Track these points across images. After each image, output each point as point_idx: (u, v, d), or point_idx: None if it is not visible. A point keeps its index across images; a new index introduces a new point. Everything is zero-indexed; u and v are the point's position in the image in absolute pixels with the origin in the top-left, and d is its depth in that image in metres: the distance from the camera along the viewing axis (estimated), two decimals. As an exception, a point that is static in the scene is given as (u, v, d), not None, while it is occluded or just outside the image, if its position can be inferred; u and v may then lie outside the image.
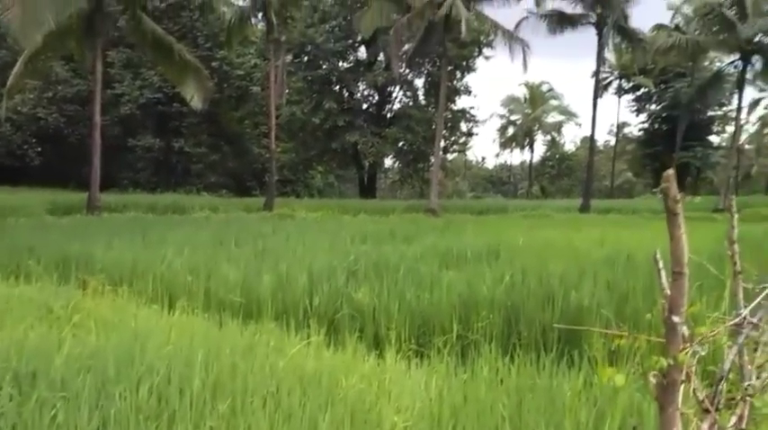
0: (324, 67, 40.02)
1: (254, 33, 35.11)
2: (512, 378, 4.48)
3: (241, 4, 27.72)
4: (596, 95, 33.28)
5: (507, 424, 3.58)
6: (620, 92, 53.93)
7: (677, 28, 33.74)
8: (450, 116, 41.83)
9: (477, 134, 48.67)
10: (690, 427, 2.06)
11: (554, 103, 61.13)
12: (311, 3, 34.27)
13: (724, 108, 50.16)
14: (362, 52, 41.37)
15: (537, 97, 60.41)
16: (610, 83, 52.77)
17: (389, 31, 29.23)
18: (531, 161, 64.16)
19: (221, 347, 4.36)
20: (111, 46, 35.32)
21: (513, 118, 63.07)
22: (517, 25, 31.34)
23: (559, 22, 31.93)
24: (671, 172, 2.32)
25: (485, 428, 3.56)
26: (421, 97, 42.50)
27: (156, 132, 38.69)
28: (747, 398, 2.25)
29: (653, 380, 2.14)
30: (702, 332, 3.64)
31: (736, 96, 33.13)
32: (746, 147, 61.30)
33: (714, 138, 55.17)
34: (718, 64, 38.28)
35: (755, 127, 60.31)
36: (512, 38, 29.39)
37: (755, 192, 51.52)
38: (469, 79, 43.04)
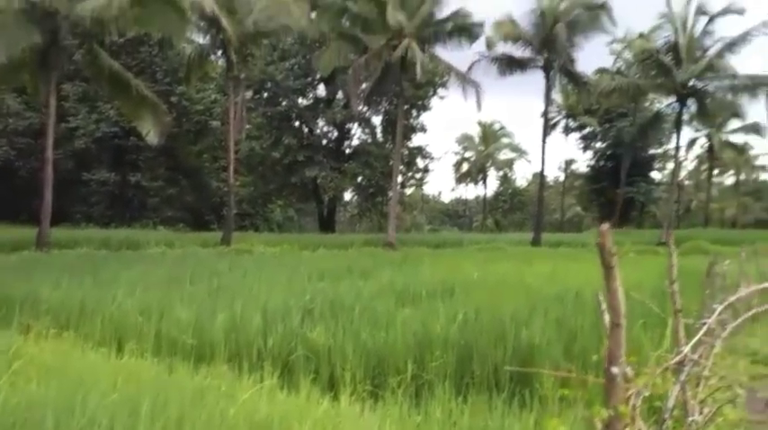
0: (283, 103, 40.37)
1: (214, 69, 35.21)
2: (464, 419, 4.53)
3: (201, 41, 27.74)
4: (545, 134, 34.44)
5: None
6: (568, 130, 56.03)
7: (619, 71, 35.48)
8: (407, 153, 42.59)
9: (432, 170, 49.41)
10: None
11: (505, 140, 62.98)
12: (271, 41, 34.59)
13: (664, 146, 52.75)
14: (322, 90, 42.05)
15: (489, 135, 62.08)
16: (558, 122, 54.78)
17: (348, 70, 29.75)
18: (485, 196, 65.59)
19: (170, 394, 4.21)
20: (67, 79, 34.73)
21: (467, 155, 64.58)
22: (470, 67, 32.33)
23: (509, 65, 33.15)
24: (606, 226, 2.45)
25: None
26: (379, 134, 43.29)
27: (111, 166, 37.92)
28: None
29: (599, 426, 2.22)
30: (646, 372, 3.78)
31: (674, 135, 34.75)
32: (686, 182, 64.16)
33: (656, 175, 57.92)
34: (657, 105, 40.32)
35: (693, 164, 63.38)
36: (465, 79, 30.32)
37: (695, 225, 53.73)
38: (425, 118, 44.04)
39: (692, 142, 54.84)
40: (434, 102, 42.53)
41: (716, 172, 63.57)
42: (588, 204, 60.54)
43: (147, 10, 19.25)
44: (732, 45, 30.99)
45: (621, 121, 50.13)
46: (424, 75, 28.91)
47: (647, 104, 43.08)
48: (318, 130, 42.85)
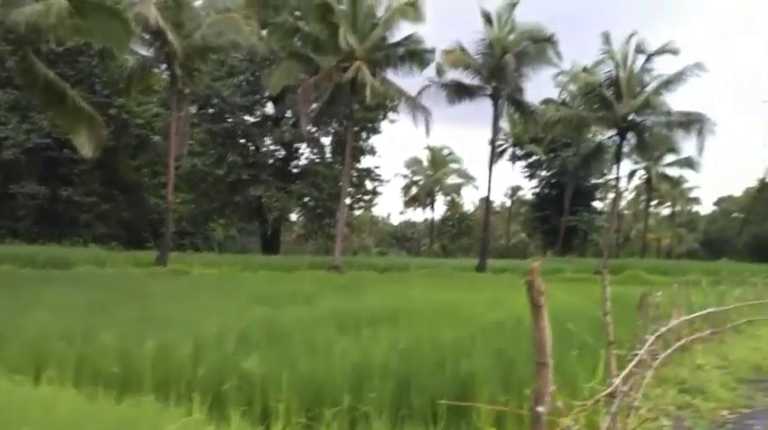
0: (229, 120, 39.74)
1: (158, 82, 34.40)
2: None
3: (145, 53, 27.01)
4: (492, 161, 35.22)
5: None
6: (514, 158, 57.63)
7: (564, 103, 36.77)
8: (355, 174, 42.62)
9: (381, 193, 49.57)
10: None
11: (454, 166, 63.93)
12: (219, 57, 34.08)
13: (606, 177, 54.72)
14: (270, 108, 41.63)
15: (438, 160, 62.95)
16: (505, 149, 56.20)
17: (298, 90, 29.63)
18: (432, 220, 66.21)
19: (88, 427, 3.96)
20: (-2, 86, 33.26)
21: (415, 178, 65.15)
22: (419, 92, 32.74)
23: (458, 92, 33.86)
24: (536, 264, 2.41)
25: None
26: (328, 154, 43.09)
27: (41, 179, 36.26)
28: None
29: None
30: (578, 405, 3.75)
31: (615, 167, 36.18)
32: (626, 212, 66.82)
33: (598, 204, 60.17)
34: (599, 137, 41.84)
35: (633, 194, 66.09)
36: (414, 104, 30.70)
37: (633, 254, 55.94)
38: (375, 140, 44.19)
39: (631, 173, 57.32)
40: (386, 125, 42.83)
41: (653, 203, 66.72)
42: (533, 231, 62.15)
43: (88, 20, 18.59)
44: (668, 83, 32.66)
45: (566, 151, 51.93)
46: (373, 98, 29.15)
47: (590, 136, 44.72)
48: (265, 149, 42.33)
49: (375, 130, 42.57)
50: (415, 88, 32.91)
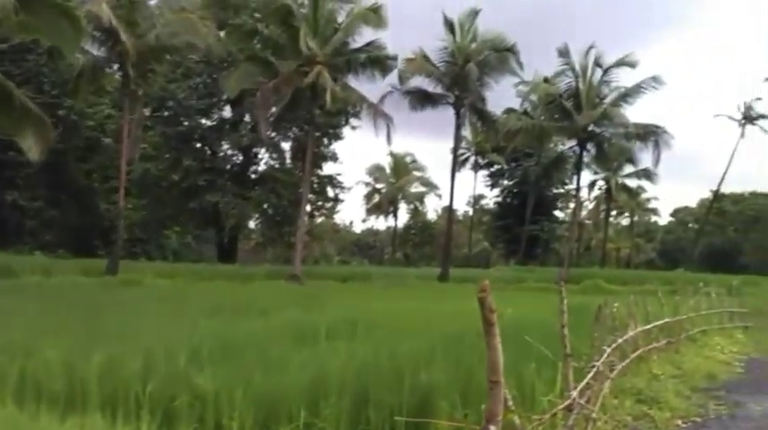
0: (185, 123, 38.84)
1: (110, 83, 33.31)
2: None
3: (96, 52, 26.09)
4: (454, 169, 35.46)
5: None
6: (477, 167, 58.23)
7: (526, 113, 37.31)
8: (317, 181, 42.22)
9: (343, 201, 49.18)
10: None
11: (417, 174, 64.18)
12: (174, 58, 33.19)
13: (567, 186, 55.79)
14: (228, 111, 40.81)
15: (401, 168, 63.07)
16: (467, 158, 56.70)
17: (257, 93, 29.18)
18: (395, 228, 66.18)
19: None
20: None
21: (378, 186, 65.06)
22: (382, 99, 32.69)
23: (420, 99, 34.03)
24: (487, 282, 2.30)
25: None
26: (288, 160, 42.53)
27: (-16, 183, 34.63)
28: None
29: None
30: (536, 418, 3.65)
31: (576, 177, 36.86)
32: (586, 222, 68.26)
33: (559, 214, 61.29)
34: (560, 147, 42.68)
35: (593, 204, 67.58)
36: (376, 111, 30.61)
37: (594, 263, 57.17)
38: (337, 146, 43.84)
39: (591, 184, 58.62)
40: (349, 131, 42.55)
41: (613, 213, 68.39)
42: (495, 240, 62.83)
43: (35, 17, 17.82)
44: (626, 95, 33.51)
45: (528, 161, 52.75)
46: (334, 103, 28.97)
47: (551, 146, 45.50)
48: (222, 153, 41.51)
49: (337, 137, 42.32)
50: (378, 94, 32.94)
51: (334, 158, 43.05)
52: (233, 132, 39.54)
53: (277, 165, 42.24)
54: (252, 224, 46.22)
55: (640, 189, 62.46)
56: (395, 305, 13.51)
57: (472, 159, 57.43)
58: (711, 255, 61.68)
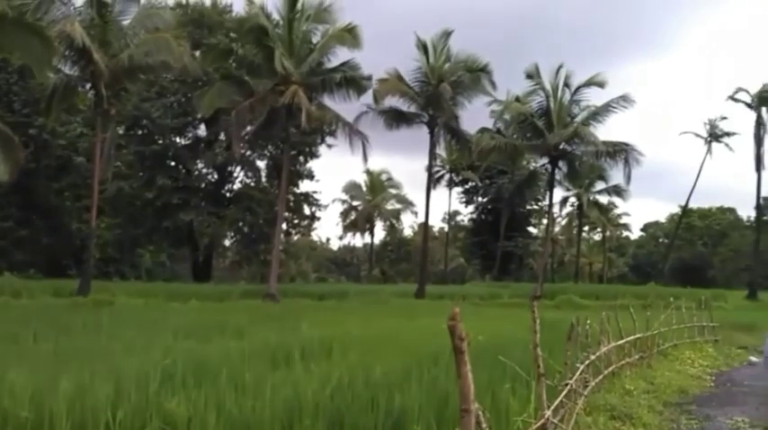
0: (159, 142, 38.42)
1: (82, 101, 32.87)
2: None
3: (68, 71, 25.73)
4: (429, 187, 35.69)
5: None
6: (451, 184, 58.68)
7: (499, 131, 37.78)
8: (293, 199, 42.06)
9: (320, 218, 48.96)
10: None
11: (393, 191, 64.33)
12: (148, 77, 32.95)
13: (540, 203, 56.51)
14: (202, 130, 40.45)
15: (377, 185, 63.17)
16: (442, 176, 57.12)
17: (231, 112, 29.06)
18: (371, 245, 66.11)
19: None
20: None
21: (354, 203, 65.03)
22: (357, 118, 32.84)
23: (395, 119, 34.31)
24: (457, 310, 2.33)
25: None
26: (263, 178, 42.30)
27: (-48, 202, 33.78)
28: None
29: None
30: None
31: (548, 193, 37.34)
32: (560, 238, 69.13)
33: (533, 230, 61.94)
34: (533, 164, 43.24)
35: (566, 220, 68.51)
36: (352, 130, 30.71)
37: (567, 278, 57.85)
38: (314, 164, 43.69)
39: (564, 200, 59.35)
40: (325, 149, 42.50)
41: (585, 228, 69.37)
42: (470, 256, 63.28)
43: (6, 36, 17.58)
44: (596, 114, 34.17)
45: (501, 178, 53.45)
46: (310, 122, 28.97)
47: (524, 163, 46.09)
48: (197, 172, 41.11)
49: (313, 155, 42.26)
50: (353, 114, 33.07)
51: (310, 176, 42.97)
52: (208, 151, 39.26)
53: (252, 184, 41.99)
54: (227, 242, 45.76)
55: (611, 205, 63.74)
56: (370, 322, 13.46)
57: (447, 177, 57.89)
58: (681, 270, 62.96)
